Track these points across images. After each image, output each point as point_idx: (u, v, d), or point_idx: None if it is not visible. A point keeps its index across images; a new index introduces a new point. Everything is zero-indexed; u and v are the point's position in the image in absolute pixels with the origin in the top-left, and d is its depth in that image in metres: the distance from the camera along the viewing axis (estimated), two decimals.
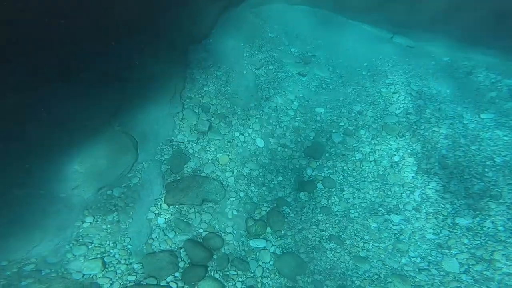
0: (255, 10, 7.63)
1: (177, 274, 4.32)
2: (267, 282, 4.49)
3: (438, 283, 4.46)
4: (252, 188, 5.16)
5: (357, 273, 4.62)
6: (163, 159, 5.18)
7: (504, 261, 4.42)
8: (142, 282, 4.17)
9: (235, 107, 5.95)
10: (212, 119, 5.77)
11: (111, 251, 4.29)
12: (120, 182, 4.78)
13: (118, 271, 4.16)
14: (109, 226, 4.44)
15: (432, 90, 6.14)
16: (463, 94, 5.98)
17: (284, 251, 4.71)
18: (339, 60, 6.90)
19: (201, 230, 4.74)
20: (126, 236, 4.43)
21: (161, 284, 4.22)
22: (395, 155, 5.46)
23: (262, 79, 6.39)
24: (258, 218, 4.94)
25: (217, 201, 4.97)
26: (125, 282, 4.11)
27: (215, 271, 4.46)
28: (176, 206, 4.85)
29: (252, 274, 4.52)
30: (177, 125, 5.56)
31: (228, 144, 5.51)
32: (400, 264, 4.66)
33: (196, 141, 5.45)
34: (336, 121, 5.91)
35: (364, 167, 5.42)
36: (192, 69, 6.20)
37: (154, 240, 4.53)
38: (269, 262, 4.62)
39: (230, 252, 4.65)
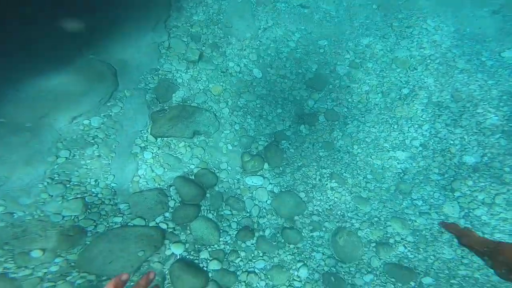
0: None
1: (167, 214, 3.69)
2: (263, 223, 3.88)
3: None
4: (248, 121, 4.38)
5: (357, 215, 4.09)
6: (148, 88, 4.31)
7: (504, 206, 3.94)
8: (129, 224, 3.49)
9: (229, 37, 4.98)
10: (203, 48, 4.81)
11: (93, 190, 3.55)
12: (99, 111, 3.92)
13: (103, 212, 3.45)
14: (88, 161, 3.66)
15: (450, 27, 5.20)
16: (484, 33, 5.07)
17: (282, 190, 4.05)
18: None
19: (192, 166, 4.00)
20: (109, 173, 3.68)
21: (150, 225, 3.56)
22: (404, 87, 4.69)
23: (259, 9, 5.35)
24: (255, 153, 4.22)
25: (210, 134, 4.19)
26: (110, 224, 3.42)
27: (208, 211, 3.81)
28: (164, 139, 4.05)
29: (248, 214, 3.90)
30: (163, 54, 4.62)
31: (222, 74, 4.62)
32: (401, 206, 4.13)
33: (185, 71, 4.54)
34: (342, 54, 5.06)
35: (370, 99, 4.66)
36: None
37: (141, 178, 3.80)
38: (266, 201, 3.98)
39: (225, 191, 3.97)
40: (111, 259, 3.23)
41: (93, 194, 3.56)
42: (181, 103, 4.26)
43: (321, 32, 5.32)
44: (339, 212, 4.05)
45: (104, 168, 3.70)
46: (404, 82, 4.77)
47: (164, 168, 3.92)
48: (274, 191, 4.07)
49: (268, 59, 4.93)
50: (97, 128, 3.89)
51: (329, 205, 4.07)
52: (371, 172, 4.30)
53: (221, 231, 3.80)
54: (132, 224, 3.52)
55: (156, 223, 3.61)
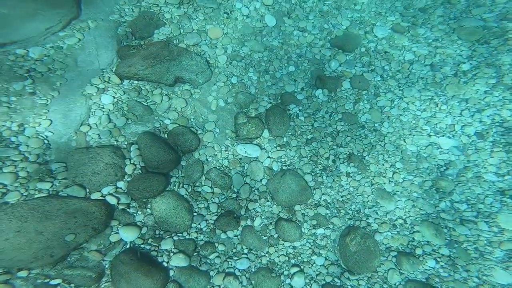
0: None
1: (120, 184, 2.34)
2: (254, 209, 2.48)
3: (485, 241, 2.59)
4: (250, 74, 2.93)
5: (377, 213, 2.74)
6: (123, 20, 2.85)
7: None
8: (60, 194, 2.08)
9: None
10: None
11: (13, 139, 2.10)
12: (44, 41, 2.48)
13: (22, 174, 2.01)
14: (13, 98, 2.18)
15: None
16: None
17: (284, 168, 2.57)
18: None
19: (167, 121, 2.58)
20: (44, 117, 2.22)
21: (92, 197, 2.12)
22: (464, 62, 3.08)
23: None
24: (253, 115, 2.70)
25: (198, 84, 2.77)
26: (31, 192, 2.00)
27: (181, 185, 2.45)
28: (134, 81, 2.61)
29: (234, 195, 2.54)
30: None
31: (225, 15, 3.11)
32: (437, 209, 2.75)
33: (177, 5, 3.01)
34: (384, 14, 3.56)
35: (414, 71, 3.14)
36: None
37: (91, 128, 2.40)
38: (261, 180, 2.63)
39: (207, 159, 2.57)
40: (19, 245, 1.82)
41: (12, 145, 2.11)
42: (165, 41, 2.73)
43: None
44: (353, 207, 2.63)
45: (38, 109, 2.27)
46: (465, 57, 3.13)
47: (127, 119, 2.49)
48: (273, 167, 2.64)
49: (287, 6, 3.40)
50: (36, 60, 2.45)
51: (342, 196, 2.64)
52: (401, 159, 2.79)
53: (195, 214, 2.44)
54: (65, 194, 2.11)
55: (103, 196, 2.27)
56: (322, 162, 2.81)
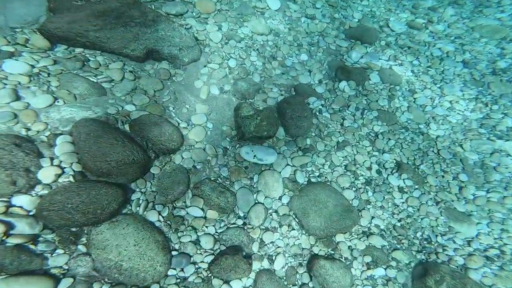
0: None
1: (19, 200, 1.38)
2: (272, 242, 1.57)
3: None
4: (253, 59, 2.27)
5: (453, 241, 1.89)
6: None
7: None
8: None
9: None
10: None
11: None
12: None
13: None
14: None
15: None
16: None
17: (312, 179, 1.68)
18: None
19: (131, 107, 1.64)
20: None
21: None
22: (498, 60, 2.75)
23: None
24: (261, 108, 1.90)
25: (182, 63, 2.01)
26: None
27: (150, 204, 1.47)
28: (77, 48, 1.68)
29: (240, 221, 1.55)
30: None
31: None
32: None
33: None
34: (394, 11, 3.22)
35: (447, 67, 2.61)
36: None
37: None
38: (280, 198, 1.76)
39: (195, 166, 1.57)
40: None
41: None
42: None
43: None
44: (419, 234, 1.75)
45: None
46: (496, 54, 2.78)
47: (56, 99, 1.52)
48: (297, 179, 1.74)
49: None
50: None
51: (400, 220, 1.80)
52: (464, 170, 2.07)
53: (174, 253, 1.40)
54: None
55: None
56: (363, 173, 1.98)
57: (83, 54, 1.82)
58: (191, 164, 1.72)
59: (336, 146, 2.03)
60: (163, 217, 1.52)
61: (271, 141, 1.93)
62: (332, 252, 1.65)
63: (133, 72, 1.88)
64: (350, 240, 1.70)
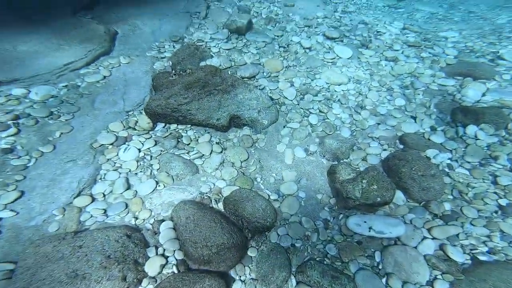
0: None
1: None
2: None
3: None
4: (335, 111, 2.27)
5: None
6: (162, 56, 2.30)
7: None
8: None
9: (290, 14, 3.06)
10: (255, 20, 2.79)
11: None
12: (58, 79, 1.94)
13: None
14: None
15: None
16: None
17: (481, 256, 1.50)
18: None
19: (221, 183, 1.66)
20: (11, 188, 1.31)
21: None
22: None
23: None
24: (360, 168, 1.75)
25: (262, 126, 2.04)
26: None
27: None
28: (172, 125, 1.75)
29: None
30: (196, 23, 2.76)
31: (282, 49, 2.50)
32: None
33: (225, 40, 2.44)
34: (499, 43, 2.86)
35: None
36: None
37: (93, 201, 1.62)
38: (432, 283, 1.41)
39: (294, 244, 1.47)
40: None
41: None
42: (216, 67, 2.04)
43: (437, 28, 3.17)
44: None
45: (7, 175, 1.36)
46: None
47: (157, 183, 1.55)
48: (451, 256, 1.54)
49: (359, 38, 2.85)
50: (35, 103, 1.84)
51: None
52: None
53: None
54: None
55: None
56: None
57: (177, 130, 1.85)
58: (289, 242, 1.51)
59: (499, 211, 1.65)
60: None
61: (387, 209, 1.66)
62: None
63: (220, 143, 1.84)
64: None
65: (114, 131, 1.78)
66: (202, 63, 2.25)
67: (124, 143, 1.73)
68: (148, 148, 1.73)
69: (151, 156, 1.70)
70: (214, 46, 2.50)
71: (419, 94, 2.24)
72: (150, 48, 2.45)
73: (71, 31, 2.34)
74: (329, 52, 2.60)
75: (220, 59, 2.33)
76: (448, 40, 2.91)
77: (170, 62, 2.25)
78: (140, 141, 1.75)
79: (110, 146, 1.71)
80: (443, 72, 2.43)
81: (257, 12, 3.09)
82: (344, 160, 1.85)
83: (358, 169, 1.76)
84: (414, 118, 2.08)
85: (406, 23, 3.29)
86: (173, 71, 1.90)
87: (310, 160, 1.86)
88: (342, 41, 2.77)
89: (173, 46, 2.50)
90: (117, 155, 1.68)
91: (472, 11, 3.81)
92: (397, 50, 2.68)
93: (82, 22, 2.53)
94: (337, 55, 2.57)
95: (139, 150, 1.71)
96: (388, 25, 3.17)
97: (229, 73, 2.22)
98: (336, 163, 1.83)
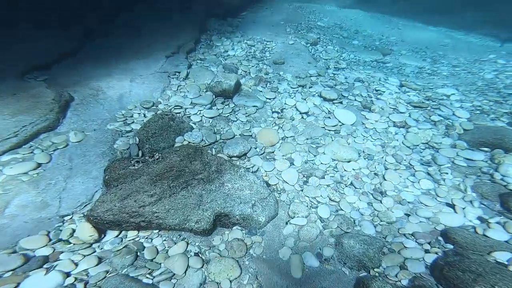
0: (296, 4, 5.14)
1: None
2: None
3: None
4: (350, 199, 1.80)
5: None
6: (127, 130, 1.82)
7: None
8: None
9: (281, 73, 2.75)
10: (243, 80, 2.48)
11: None
12: None
13: None
14: None
15: None
16: None
17: None
18: (438, 52, 4.12)
19: None
20: None
21: None
22: None
23: (321, 55, 3.36)
24: (402, 283, 1.20)
25: (256, 225, 1.53)
26: None
27: None
28: (129, 232, 1.18)
29: None
30: (174, 85, 2.39)
31: (275, 115, 2.10)
32: None
33: (209, 105, 2.08)
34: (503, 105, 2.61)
35: None
36: (210, 35, 3.61)
37: None
38: None
39: None
40: None
41: None
42: (196, 146, 1.60)
43: (430, 84, 3.01)
44: None
45: None
46: None
47: None
48: None
49: (359, 99, 2.58)
50: None
51: None
52: None
53: None
54: None
55: None
56: None
57: (137, 240, 1.32)
58: None
59: None
60: None
61: None
62: None
63: (200, 254, 1.32)
64: None
65: (27, 249, 1.23)
66: (179, 139, 1.80)
67: (48, 272, 1.17)
68: (85, 270, 1.18)
69: (86, 284, 1.14)
70: (195, 114, 2.09)
71: (446, 173, 1.85)
72: (114, 119, 1.99)
73: (7, 98, 1.87)
74: (329, 117, 2.25)
75: (202, 131, 1.90)
76: (450, 99, 2.66)
77: (137, 139, 1.78)
78: (72, 260, 1.20)
79: (9, 273, 1.14)
80: (464, 142, 2.09)
81: (245, 71, 2.77)
82: (375, 269, 1.36)
83: (398, 284, 1.27)
84: (452, 206, 1.65)
85: (401, 79, 3.08)
86: (134, 160, 1.42)
87: (327, 270, 1.37)
88: (341, 102, 2.44)
89: (144, 115, 2.06)
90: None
91: (455, 65, 3.74)
92: (403, 113, 2.37)
93: (28, 85, 2.07)
94: (339, 121, 2.22)
95: (67, 275, 1.16)
96: (385, 82, 2.93)
97: (213, 152, 1.78)
98: (365, 274, 1.34)
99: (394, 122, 2.26)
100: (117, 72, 2.50)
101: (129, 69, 2.57)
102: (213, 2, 4.16)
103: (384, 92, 2.66)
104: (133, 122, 1.98)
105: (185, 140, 1.82)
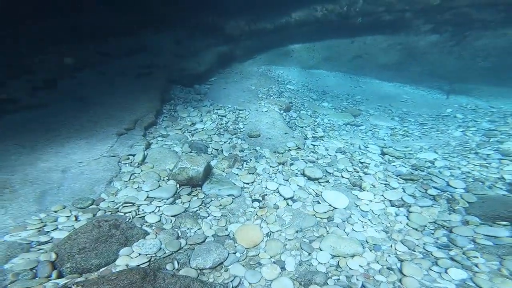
0: (264, 67, 5.18)
1: None
2: None
3: None
4: None
5: None
6: (42, 241, 1.25)
7: None
8: None
9: (258, 148, 2.46)
10: (215, 161, 2.14)
11: None
12: None
13: None
14: None
15: None
16: None
17: None
18: (402, 109, 4.23)
19: None
20: None
21: None
22: None
23: (296, 122, 3.21)
24: None
25: None
26: None
27: None
28: None
29: None
30: (125, 173, 1.91)
31: (255, 204, 1.77)
32: None
33: (171, 199, 1.67)
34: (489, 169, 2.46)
35: None
36: (174, 105, 3.34)
37: None
38: None
39: None
40: None
41: None
42: (146, 268, 1.13)
43: (406, 146, 2.93)
44: None
45: None
46: None
47: None
48: None
49: (346, 176, 2.29)
50: None
51: None
52: None
53: None
54: None
55: None
56: None
57: None
58: None
59: None
60: None
61: None
62: None
63: None
64: None
65: None
66: (124, 252, 1.34)
67: None
68: None
69: None
70: (152, 212, 1.65)
71: (476, 256, 1.52)
72: (23, 226, 1.48)
73: None
74: (318, 201, 1.92)
75: (161, 237, 1.45)
76: (436, 165, 2.49)
77: (53, 255, 1.27)
78: None
79: None
80: (475, 217, 1.82)
81: (217, 149, 2.44)
82: None
83: None
84: None
85: (379, 144, 2.93)
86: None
87: None
88: (328, 181, 2.15)
89: (76, 218, 1.58)
90: None
91: (422, 123, 3.79)
92: (396, 188, 2.12)
93: None
94: (331, 205, 1.89)
95: None
96: (365, 150, 2.74)
97: (175, 267, 1.32)
98: None
99: (391, 201, 1.98)
100: (44, 159, 2.00)
101: (63, 154, 2.08)
102: (175, 67, 3.93)
103: (369, 164, 2.43)
104: (55, 229, 1.48)
105: (133, 252, 1.35)
